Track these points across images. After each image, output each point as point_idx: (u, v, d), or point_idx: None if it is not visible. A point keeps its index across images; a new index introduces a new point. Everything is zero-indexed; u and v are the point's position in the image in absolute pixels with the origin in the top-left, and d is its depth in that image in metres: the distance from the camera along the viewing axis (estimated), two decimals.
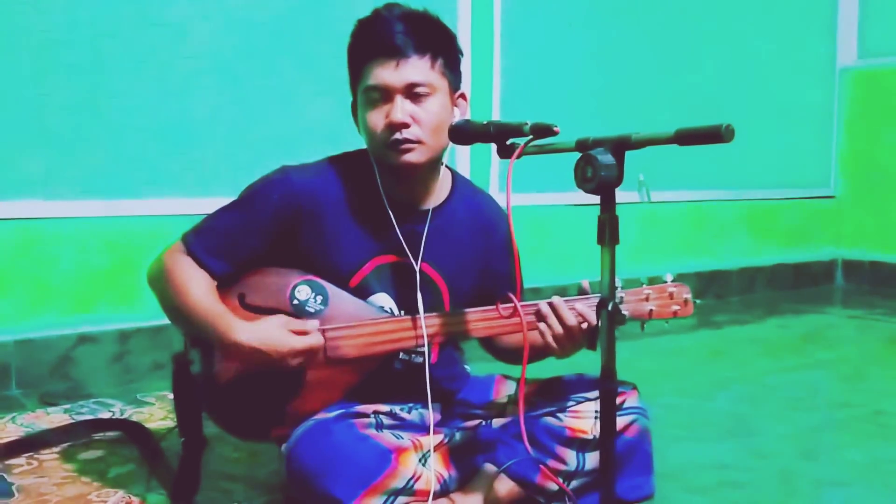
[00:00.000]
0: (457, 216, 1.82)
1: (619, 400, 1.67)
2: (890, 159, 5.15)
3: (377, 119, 1.68)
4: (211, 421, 1.78)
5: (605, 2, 4.21)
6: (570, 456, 1.73)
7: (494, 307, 1.70)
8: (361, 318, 1.71)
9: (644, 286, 1.78)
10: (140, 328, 2.95)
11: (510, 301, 1.67)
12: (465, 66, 1.81)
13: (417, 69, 1.66)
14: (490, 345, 1.90)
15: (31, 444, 2.18)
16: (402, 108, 1.66)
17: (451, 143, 1.72)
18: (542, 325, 1.67)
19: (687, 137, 1.30)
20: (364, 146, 1.77)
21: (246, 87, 3.15)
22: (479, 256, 1.85)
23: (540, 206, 3.89)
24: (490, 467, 1.73)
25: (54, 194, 2.82)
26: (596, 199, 1.36)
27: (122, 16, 2.89)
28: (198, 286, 1.69)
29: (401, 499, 1.62)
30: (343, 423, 1.67)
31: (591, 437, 1.72)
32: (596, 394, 1.69)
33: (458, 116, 1.73)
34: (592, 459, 1.71)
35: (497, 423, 1.84)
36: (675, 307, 1.79)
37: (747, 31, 4.79)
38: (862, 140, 5.28)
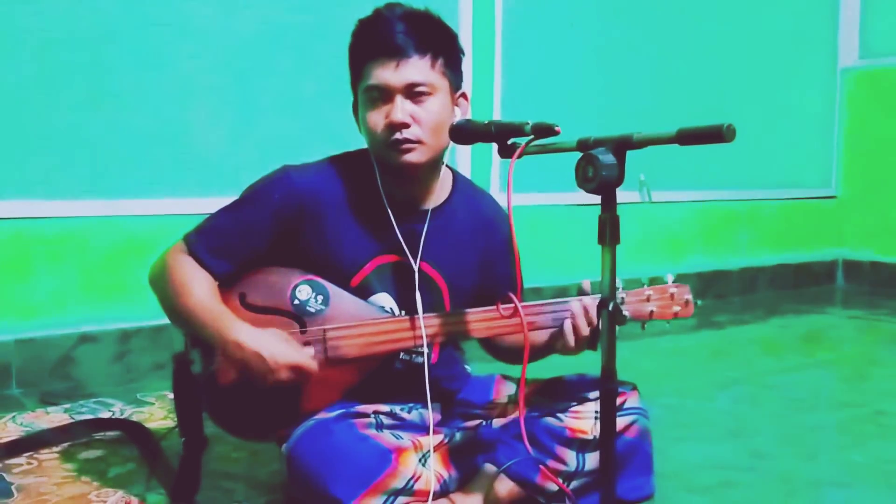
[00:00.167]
0: (457, 216, 1.82)
1: (619, 400, 1.67)
2: (891, 159, 5.15)
3: (377, 119, 1.68)
4: (211, 421, 1.78)
5: (606, 2, 4.21)
6: (571, 456, 1.73)
7: (495, 307, 1.70)
8: (362, 318, 1.71)
9: (645, 287, 1.78)
10: (141, 328, 2.95)
11: (511, 301, 1.66)
12: (466, 65, 1.81)
13: (418, 69, 1.65)
14: (490, 345, 1.90)
15: (30, 443, 2.18)
16: (402, 109, 1.65)
17: (451, 143, 1.72)
18: (566, 325, 1.67)
19: (688, 137, 1.30)
20: (365, 146, 1.77)
21: (247, 86, 3.15)
22: (479, 256, 1.85)
23: (541, 206, 3.89)
24: (490, 467, 1.73)
25: (56, 194, 2.82)
26: (597, 198, 1.36)
27: (123, 16, 2.89)
28: (199, 286, 1.69)
29: (401, 499, 1.62)
30: (343, 422, 1.67)
31: (591, 437, 1.71)
32: (596, 394, 1.69)
33: (458, 116, 1.73)
34: (593, 460, 1.71)
35: (497, 423, 1.84)
36: (676, 308, 1.79)
37: (749, 31, 4.79)
38: (863, 140, 5.28)
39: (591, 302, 1.67)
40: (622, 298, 1.74)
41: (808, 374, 3.28)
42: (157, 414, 2.50)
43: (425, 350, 1.71)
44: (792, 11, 5.01)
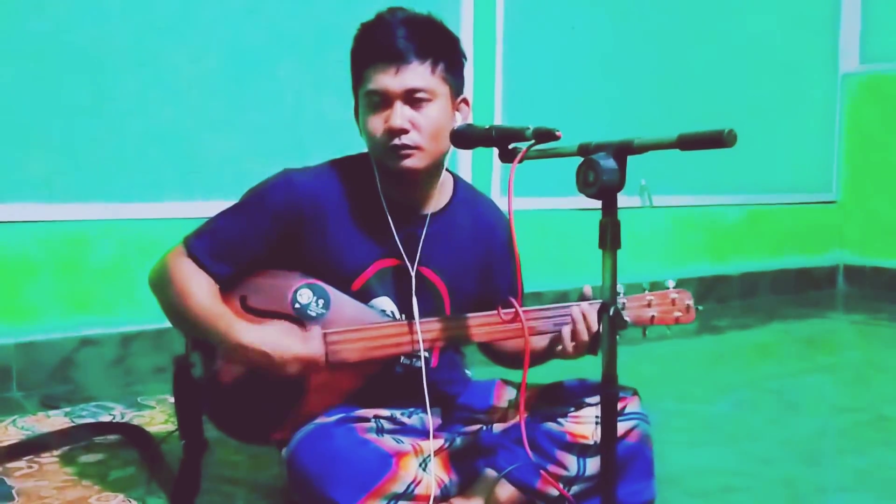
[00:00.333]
0: (458, 220, 1.82)
1: (620, 405, 1.67)
2: (892, 164, 5.15)
3: (377, 124, 1.68)
4: (211, 424, 1.78)
5: (607, 7, 4.21)
6: (571, 461, 1.72)
7: (496, 312, 1.69)
8: (363, 322, 1.70)
9: (646, 292, 1.78)
10: (141, 331, 2.95)
11: (511, 306, 1.66)
12: (468, 70, 1.81)
13: (417, 75, 1.65)
14: (490, 349, 1.90)
15: (31, 447, 2.18)
16: (401, 114, 1.65)
17: (452, 148, 1.72)
18: (565, 330, 1.67)
19: (689, 142, 1.30)
20: (366, 149, 1.77)
21: (249, 90, 3.16)
22: (480, 260, 1.85)
23: (542, 211, 3.89)
24: (491, 472, 1.73)
25: (56, 197, 2.83)
26: (598, 203, 1.36)
27: (125, 19, 2.90)
28: (200, 289, 1.69)
29: (401, 503, 1.62)
30: (344, 427, 1.67)
31: (591, 442, 1.71)
32: (597, 399, 1.69)
33: (459, 121, 1.73)
34: (593, 465, 1.71)
35: (498, 427, 1.83)
36: (678, 313, 1.79)
37: (750, 36, 4.80)
38: (864, 145, 5.28)
39: (591, 308, 1.67)
40: (623, 304, 1.73)
41: (810, 378, 3.28)
42: (158, 417, 2.50)
43: (422, 354, 1.71)
44: (793, 17, 5.01)
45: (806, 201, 5.23)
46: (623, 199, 1.35)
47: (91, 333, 2.90)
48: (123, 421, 2.45)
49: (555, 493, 1.71)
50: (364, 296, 1.75)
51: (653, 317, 1.77)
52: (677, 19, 4.49)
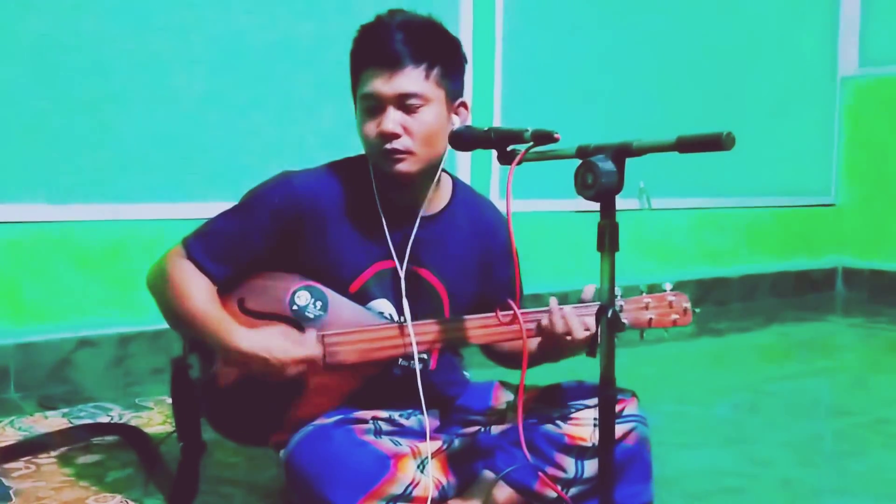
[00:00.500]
0: (457, 222, 1.82)
1: (618, 407, 1.67)
2: (891, 167, 5.15)
3: (371, 127, 1.68)
4: (209, 426, 1.77)
5: (606, 9, 4.21)
6: (569, 463, 1.72)
7: (494, 314, 1.69)
8: (361, 324, 1.70)
9: (644, 294, 1.78)
10: (140, 332, 2.95)
11: (510, 308, 1.66)
12: (467, 72, 1.81)
13: (411, 80, 1.65)
14: (490, 350, 1.90)
15: (29, 447, 2.18)
16: (392, 119, 1.65)
17: (448, 150, 1.72)
18: (543, 321, 1.68)
19: (688, 145, 1.30)
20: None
21: (248, 91, 3.16)
22: (479, 262, 1.85)
23: (540, 213, 3.89)
24: (489, 474, 1.73)
25: (55, 198, 2.83)
26: (596, 205, 1.36)
27: (124, 20, 2.90)
28: (198, 291, 1.69)
29: None
30: (342, 428, 1.67)
31: (590, 444, 1.71)
32: (595, 401, 1.69)
33: (457, 125, 1.73)
34: (591, 467, 1.71)
35: (496, 429, 1.83)
36: (675, 316, 1.79)
37: (749, 39, 4.80)
38: (863, 148, 5.29)
39: (573, 310, 1.67)
40: (621, 306, 1.73)
41: (808, 381, 3.28)
42: (156, 419, 2.50)
43: (416, 356, 1.70)
44: (792, 20, 5.02)
45: (805, 204, 5.24)
46: (622, 202, 1.35)
47: (89, 334, 2.90)
48: (121, 422, 2.45)
49: (553, 495, 1.71)
50: (362, 298, 1.75)
51: (650, 319, 1.77)
52: (676, 22, 4.49)
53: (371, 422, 1.74)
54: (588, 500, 1.73)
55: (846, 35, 5.28)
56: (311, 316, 1.70)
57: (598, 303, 1.40)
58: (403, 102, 1.65)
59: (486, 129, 1.57)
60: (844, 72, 5.31)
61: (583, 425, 1.73)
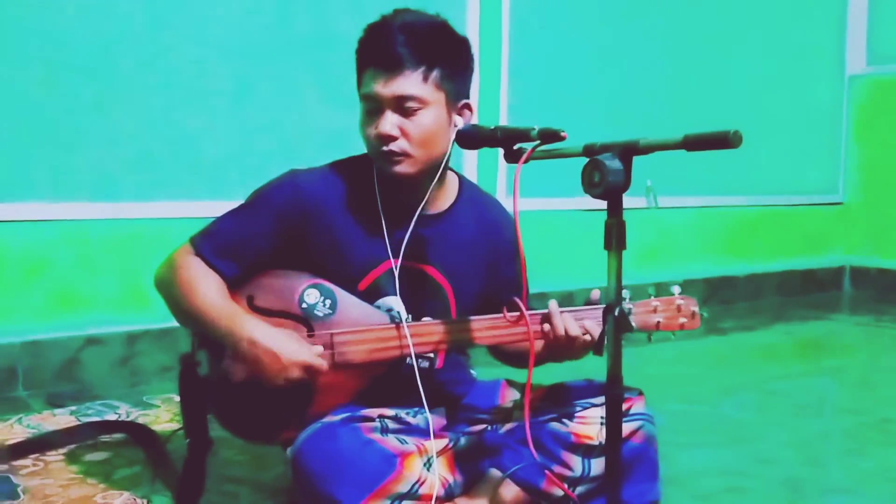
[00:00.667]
0: (463, 220, 1.82)
1: (625, 406, 1.67)
2: None
3: (370, 128, 1.68)
4: (217, 423, 1.78)
5: (613, 8, 4.21)
6: (576, 462, 1.72)
7: (501, 314, 1.69)
8: (369, 323, 1.71)
9: (652, 298, 1.78)
10: (147, 330, 2.96)
11: (517, 307, 1.66)
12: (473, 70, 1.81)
13: (409, 82, 1.65)
14: (495, 348, 1.90)
15: (37, 445, 2.19)
16: (390, 122, 1.65)
17: (450, 150, 1.71)
18: (545, 327, 1.68)
19: (695, 143, 1.30)
20: None
21: (253, 90, 3.16)
22: (485, 261, 1.85)
23: (547, 211, 3.89)
24: (495, 472, 1.73)
25: (61, 196, 2.83)
26: (603, 204, 1.36)
27: (129, 18, 2.90)
28: (208, 286, 1.69)
29: (405, 503, 1.62)
30: (348, 427, 1.67)
31: (596, 442, 1.71)
32: (602, 399, 1.69)
33: (460, 126, 1.72)
34: (598, 465, 1.71)
35: (503, 428, 1.83)
36: (683, 319, 1.79)
37: (756, 37, 4.79)
38: (870, 147, 5.27)
39: (570, 314, 1.67)
40: (629, 309, 1.73)
41: (814, 380, 3.27)
42: (163, 416, 2.50)
43: (412, 354, 1.70)
44: (799, 18, 5.00)
45: (812, 203, 5.23)
46: (628, 200, 1.35)
47: (97, 332, 2.90)
48: (129, 420, 2.46)
49: (559, 493, 1.71)
50: (371, 296, 1.75)
51: (658, 322, 1.77)
52: (683, 21, 4.48)
53: (378, 420, 1.74)
54: (595, 499, 1.73)
55: (854, 33, 5.26)
56: (320, 314, 1.70)
57: (603, 305, 1.40)
58: (401, 105, 1.65)
59: (492, 127, 1.57)
60: (852, 70, 5.30)
61: (589, 424, 1.73)
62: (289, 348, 1.62)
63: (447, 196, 1.81)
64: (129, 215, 2.93)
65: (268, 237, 1.73)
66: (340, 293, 1.72)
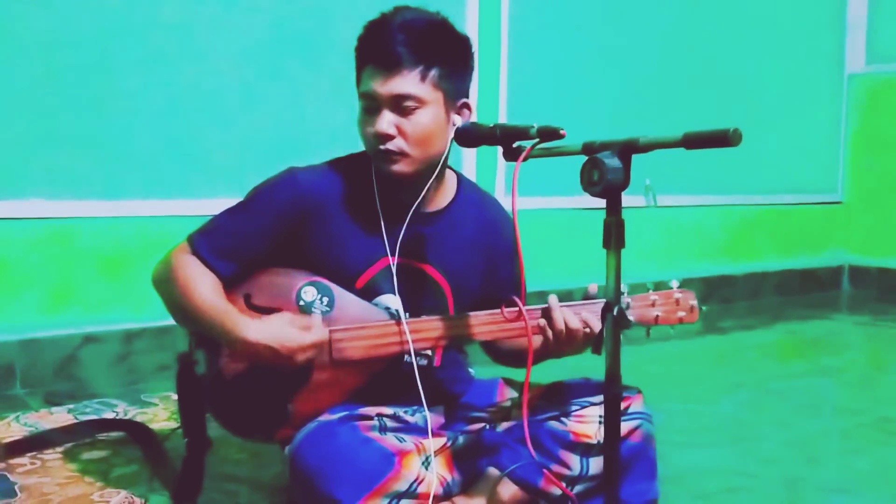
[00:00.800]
0: (461, 218, 1.82)
1: (623, 405, 1.67)
2: None
3: (368, 127, 1.68)
4: (215, 422, 1.78)
5: (612, 6, 4.21)
6: (574, 460, 1.72)
7: (499, 311, 1.69)
8: (367, 320, 1.70)
9: (650, 292, 1.78)
10: (145, 329, 2.96)
11: (515, 305, 1.66)
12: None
13: (407, 81, 1.64)
14: (491, 348, 1.90)
15: (34, 443, 2.18)
16: (387, 120, 1.65)
17: (448, 149, 1.71)
18: (542, 322, 1.67)
19: (694, 141, 1.30)
20: None
21: (253, 88, 3.16)
22: (483, 259, 1.85)
23: (546, 210, 3.89)
24: (493, 471, 1.73)
25: (60, 194, 2.83)
26: (602, 202, 1.36)
27: (129, 17, 2.90)
28: (204, 285, 1.69)
29: (404, 502, 1.62)
30: (346, 425, 1.67)
31: (595, 441, 1.71)
32: (601, 398, 1.69)
33: (459, 124, 1.72)
34: (596, 464, 1.71)
35: (501, 426, 1.83)
36: (681, 313, 1.78)
37: (756, 36, 4.79)
38: (870, 146, 5.27)
39: (569, 308, 1.67)
40: (627, 303, 1.73)
41: (814, 379, 3.27)
42: (161, 415, 2.50)
43: (412, 352, 1.69)
44: (799, 17, 5.00)
45: (811, 202, 5.23)
46: (628, 199, 1.34)
47: (94, 330, 2.90)
48: (127, 418, 2.46)
49: (558, 492, 1.71)
50: (369, 293, 1.75)
51: (657, 316, 1.76)
52: (683, 19, 4.48)
53: (376, 418, 1.74)
54: (593, 498, 1.73)
55: (853, 32, 5.26)
56: (318, 312, 1.70)
57: (604, 299, 1.40)
58: (398, 104, 1.65)
59: (491, 125, 1.57)
60: (852, 69, 5.30)
61: (588, 422, 1.73)
62: (286, 338, 1.61)
63: (446, 194, 1.81)
64: (127, 213, 2.93)
65: (266, 235, 1.73)
66: (338, 290, 1.72)
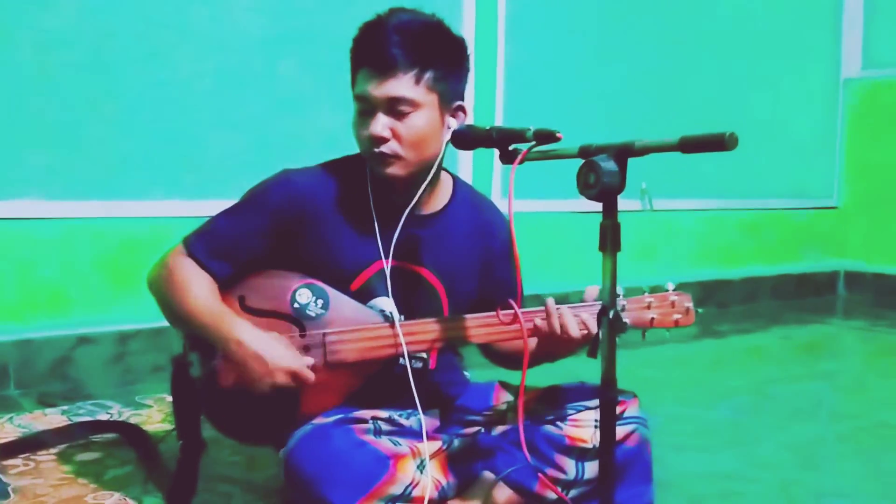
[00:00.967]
0: (456, 221, 1.82)
1: (619, 409, 1.66)
2: (893, 170, 5.14)
3: (362, 129, 1.68)
4: (209, 424, 1.77)
5: (608, 8, 4.21)
6: (570, 465, 1.72)
7: (495, 313, 1.69)
8: (362, 323, 1.70)
9: (646, 294, 1.78)
10: (139, 330, 2.95)
11: (511, 307, 1.66)
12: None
13: (401, 84, 1.64)
14: (488, 350, 1.90)
15: (28, 444, 2.18)
16: (381, 123, 1.65)
17: (443, 151, 1.71)
18: (538, 321, 1.67)
19: (690, 145, 1.29)
20: None
21: (249, 89, 3.15)
22: (479, 261, 1.85)
23: (542, 213, 3.89)
24: (489, 475, 1.72)
25: (55, 194, 2.82)
26: (598, 205, 1.36)
27: (125, 16, 2.90)
28: (199, 287, 1.69)
29: None
30: (341, 428, 1.67)
31: (590, 445, 1.71)
32: (596, 402, 1.68)
33: (454, 127, 1.72)
34: (592, 468, 1.70)
35: (496, 430, 1.83)
36: (677, 316, 1.78)
37: (752, 40, 4.79)
38: (865, 151, 5.28)
39: (567, 309, 1.66)
40: (623, 306, 1.73)
41: (810, 384, 3.27)
42: (155, 417, 2.49)
43: (405, 354, 1.69)
44: (795, 21, 5.01)
45: (807, 207, 5.23)
46: (623, 202, 1.34)
47: (89, 332, 2.89)
48: (121, 420, 2.45)
49: (553, 496, 1.71)
50: (364, 296, 1.74)
51: (652, 319, 1.76)
52: (679, 23, 4.49)
53: (371, 421, 1.74)
54: (588, 502, 1.72)
55: (849, 37, 5.27)
56: (313, 314, 1.70)
57: (600, 302, 1.39)
58: (393, 107, 1.64)
59: (487, 128, 1.57)
60: (847, 74, 5.30)
61: (583, 426, 1.73)
62: (275, 353, 1.62)
63: (441, 197, 1.81)
64: (122, 214, 2.93)
65: (262, 236, 1.72)
66: (332, 293, 1.71)
